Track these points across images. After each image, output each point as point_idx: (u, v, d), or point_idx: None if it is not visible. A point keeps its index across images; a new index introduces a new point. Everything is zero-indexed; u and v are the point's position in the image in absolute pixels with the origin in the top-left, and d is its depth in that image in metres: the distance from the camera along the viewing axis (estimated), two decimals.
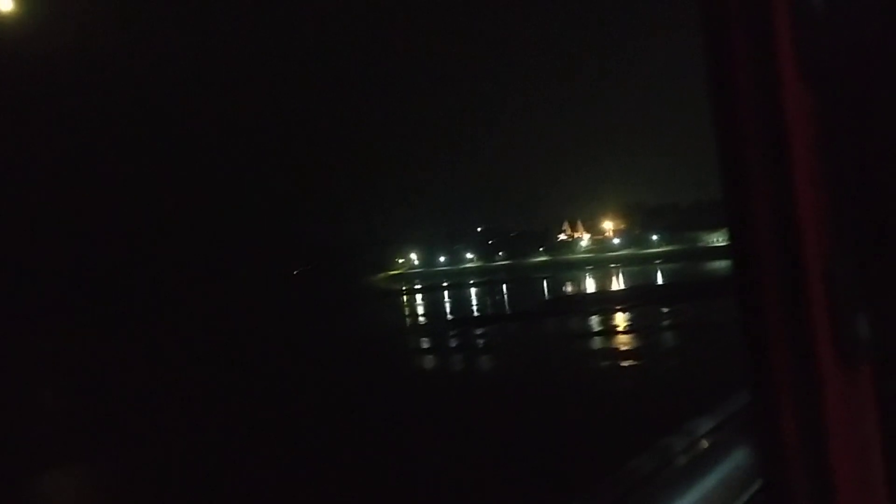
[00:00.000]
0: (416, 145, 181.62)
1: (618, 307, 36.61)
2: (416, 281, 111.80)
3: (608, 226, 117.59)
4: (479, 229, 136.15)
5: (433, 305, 58.28)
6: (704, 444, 1.26)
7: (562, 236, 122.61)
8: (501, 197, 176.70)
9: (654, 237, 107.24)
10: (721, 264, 60.97)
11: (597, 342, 26.01)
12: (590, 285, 64.90)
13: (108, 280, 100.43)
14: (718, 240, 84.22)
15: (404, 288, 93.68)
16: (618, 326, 29.83)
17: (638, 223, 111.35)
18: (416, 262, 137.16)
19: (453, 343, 30.70)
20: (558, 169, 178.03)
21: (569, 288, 63.86)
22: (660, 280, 61.49)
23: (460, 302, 58.48)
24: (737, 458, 1.20)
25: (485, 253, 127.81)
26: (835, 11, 0.84)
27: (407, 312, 55.54)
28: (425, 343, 32.31)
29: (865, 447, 0.83)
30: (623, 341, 25.33)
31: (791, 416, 0.81)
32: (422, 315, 51.36)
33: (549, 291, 59.37)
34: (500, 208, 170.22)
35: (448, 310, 53.39)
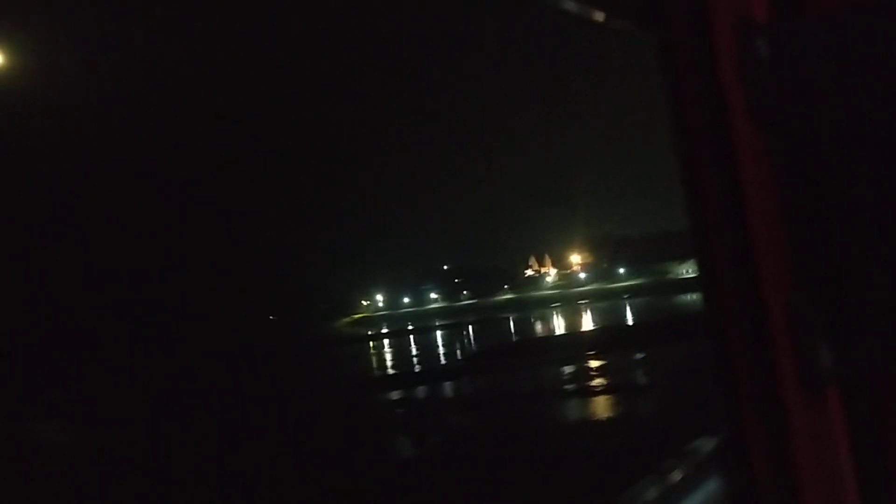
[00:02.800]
0: (382, 184, 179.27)
1: (587, 354, 33.68)
2: (381, 324, 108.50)
3: (575, 259, 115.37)
4: (445, 267, 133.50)
5: (397, 353, 54.92)
6: (676, 478, 1.24)
7: (528, 272, 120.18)
8: (468, 234, 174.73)
9: (622, 270, 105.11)
10: (690, 297, 58.71)
11: (571, 406, 22.85)
12: (557, 325, 62.04)
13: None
14: (687, 271, 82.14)
15: (368, 333, 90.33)
16: (591, 382, 26.71)
17: (605, 256, 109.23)
18: (381, 304, 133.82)
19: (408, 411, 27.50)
20: (524, 203, 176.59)
21: (535, 329, 60.98)
22: (629, 318, 58.75)
23: (424, 349, 55.17)
24: (708, 492, 1.22)
25: (450, 292, 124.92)
26: (779, 58, 0.92)
27: (366, 363, 51.93)
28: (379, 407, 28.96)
29: (837, 473, 0.86)
30: (600, 405, 22.21)
31: (760, 447, 0.84)
32: (379, 367, 47.87)
33: (513, 334, 56.47)
34: (466, 245, 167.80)
35: (407, 360, 49.82)
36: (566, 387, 26.26)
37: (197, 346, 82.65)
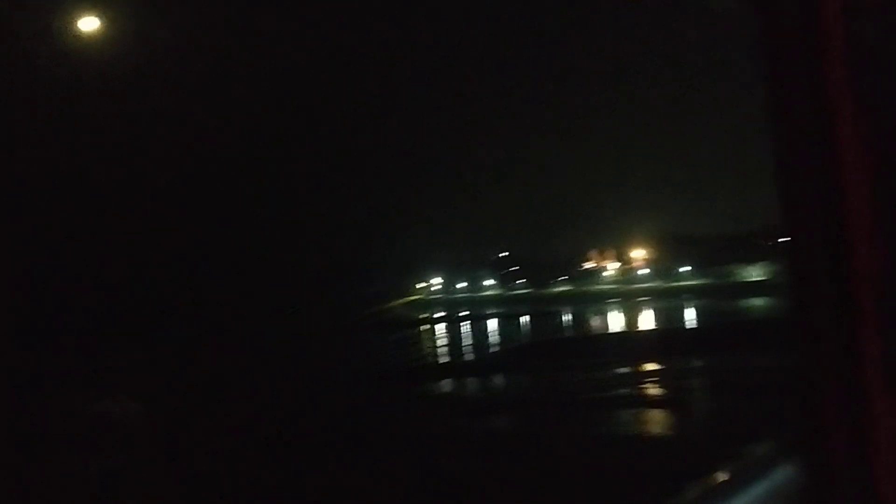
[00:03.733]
0: (442, 167, 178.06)
1: (642, 356, 31.87)
2: (434, 308, 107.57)
3: (637, 255, 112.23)
4: (501, 255, 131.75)
5: (448, 341, 53.65)
6: (751, 467, 1.30)
7: (587, 265, 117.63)
8: (528, 221, 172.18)
9: (685, 269, 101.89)
10: (755, 302, 56.02)
11: (622, 414, 21.18)
12: (613, 322, 59.99)
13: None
14: (754, 275, 78.96)
15: (421, 317, 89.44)
16: (644, 388, 24.99)
17: (668, 253, 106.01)
18: (436, 288, 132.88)
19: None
20: (587, 194, 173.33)
21: (590, 324, 59.05)
22: (690, 321, 56.40)
23: (476, 338, 53.80)
24: (782, 480, 1.26)
25: (506, 280, 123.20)
26: (886, 43, 0.89)
27: (413, 349, 50.63)
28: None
29: None
30: (651, 416, 20.51)
31: (839, 440, 0.85)
32: (427, 355, 46.53)
33: (566, 328, 54.70)
34: (525, 233, 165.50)
35: (456, 349, 48.44)
36: (617, 391, 24.62)
37: (252, 323, 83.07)
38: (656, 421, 20.03)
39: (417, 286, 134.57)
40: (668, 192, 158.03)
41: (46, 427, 21.93)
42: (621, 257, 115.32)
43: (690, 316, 59.44)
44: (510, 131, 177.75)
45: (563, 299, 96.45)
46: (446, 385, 30.08)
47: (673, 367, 28.91)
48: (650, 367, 30.04)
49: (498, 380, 31.03)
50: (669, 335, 42.79)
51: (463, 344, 49.41)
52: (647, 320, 58.84)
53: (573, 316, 68.38)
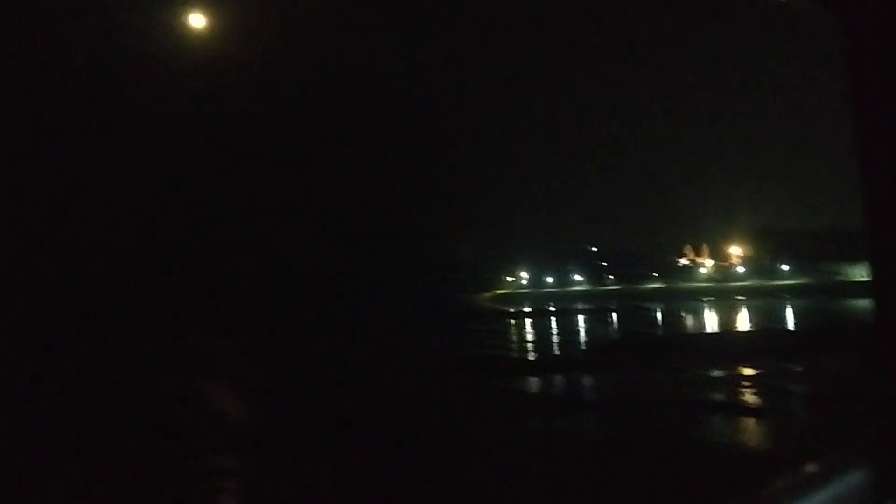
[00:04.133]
0: (533, 160, 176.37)
1: (738, 359, 30.31)
2: (522, 302, 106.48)
3: (734, 251, 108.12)
4: (592, 249, 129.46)
5: (536, 335, 52.71)
6: (831, 468, 1.32)
7: (682, 261, 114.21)
8: (620, 215, 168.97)
9: (785, 267, 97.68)
10: (861, 303, 53.11)
11: (715, 420, 19.92)
12: (707, 322, 57.78)
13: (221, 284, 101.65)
14: (859, 274, 74.94)
15: (509, 310, 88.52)
16: (740, 393, 23.56)
17: (767, 250, 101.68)
18: (524, 282, 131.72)
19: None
20: (682, 187, 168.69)
21: (683, 323, 57.04)
22: (790, 322, 53.81)
23: (563, 333, 52.62)
24: (862, 481, 1.26)
25: (595, 275, 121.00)
26: None
27: (502, 342, 49.77)
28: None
29: None
30: (746, 423, 19.17)
31: None
32: (515, 349, 45.62)
33: (658, 326, 52.90)
34: (616, 227, 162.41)
35: (545, 344, 47.30)
36: (710, 396, 23.33)
37: (338, 311, 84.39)
38: (747, 428, 18.75)
39: (506, 279, 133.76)
40: (768, 185, 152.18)
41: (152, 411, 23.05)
42: (716, 253, 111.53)
43: (789, 317, 56.73)
44: (603, 125, 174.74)
45: (654, 296, 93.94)
46: (530, 381, 29.24)
47: (769, 371, 27.41)
48: (745, 370, 28.50)
49: (583, 377, 30.00)
50: (766, 337, 40.82)
51: (549, 339, 48.36)
52: (742, 320, 56.45)
53: (664, 314, 66.30)
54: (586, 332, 54.23)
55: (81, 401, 25.49)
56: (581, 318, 68.45)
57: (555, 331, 54.62)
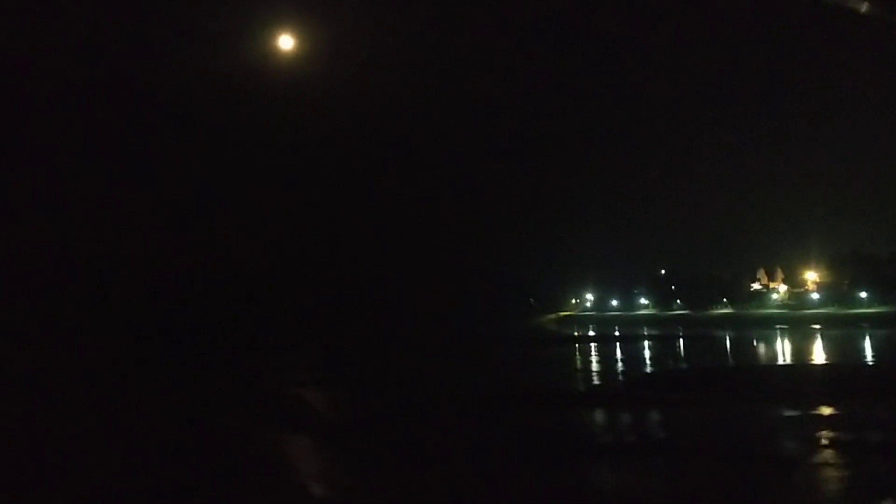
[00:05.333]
0: (608, 179, 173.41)
1: (815, 396, 27.90)
2: (587, 326, 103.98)
3: (810, 277, 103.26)
4: (661, 271, 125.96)
5: (601, 361, 50.67)
6: None
7: (755, 286, 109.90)
8: (690, 238, 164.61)
9: (863, 294, 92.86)
10: None
11: (792, 470, 17.67)
12: (780, 353, 54.71)
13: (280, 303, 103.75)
14: None
15: (574, 335, 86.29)
16: (818, 437, 21.20)
17: (846, 276, 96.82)
18: (589, 304, 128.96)
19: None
20: (756, 209, 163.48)
21: (754, 353, 54.16)
22: (871, 355, 50.36)
23: (629, 361, 50.39)
24: None
25: (663, 299, 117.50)
26: None
27: (565, 370, 47.73)
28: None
29: None
30: (828, 473, 16.93)
31: None
32: (580, 376, 43.59)
33: (728, 356, 50.21)
34: (686, 250, 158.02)
35: (611, 373, 45.07)
36: (782, 441, 21.09)
37: (405, 332, 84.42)
38: (822, 479, 16.58)
39: (571, 301, 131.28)
40: (847, 208, 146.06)
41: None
42: (791, 278, 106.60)
43: (869, 349, 53.34)
44: (678, 145, 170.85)
45: (724, 322, 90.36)
46: (587, 414, 27.40)
47: (848, 412, 24.95)
48: (822, 410, 26.06)
49: (642, 412, 27.91)
50: (845, 372, 37.98)
51: (614, 369, 46.22)
52: (818, 352, 53.24)
53: (733, 342, 63.35)
54: (652, 361, 51.89)
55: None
56: (647, 344, 65.99)
57: (619, 359, 52.41)
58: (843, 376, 34.63)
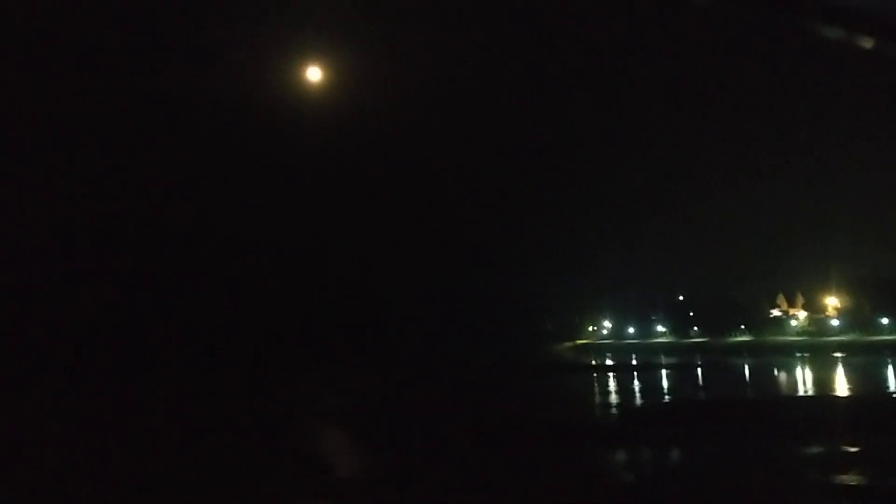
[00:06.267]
0: (618, 204, 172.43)
1: (840, 431, 26.92)
2: (604, 355, 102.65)
3: (831, 302, 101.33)
4: (679, 297, 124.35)
5: (617, 391, 49.71)
6: None
7: (774, 312, 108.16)
8: (708, 262, 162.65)
9: (884, 321, 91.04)
10: None
11: None
12: (801, 383, 53.44)
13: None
14: None
15: (592, 363, 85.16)
16: (841, 481, 20.30)
17: (868, 301, 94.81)
18: (605, 332, 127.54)
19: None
20: (775, 232, 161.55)
21: (775, 383, 52.95)
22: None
23: (647, 391, 49.39)
24: None
25: (680, 325, 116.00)
26: None
27: (580, 400, 46.65)
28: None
29: None
30: None
31: None
32: (594, 407, 42.67)
33: (747, 386, 49.06)
34: (704, 275, 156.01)
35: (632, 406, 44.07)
36: (808, 481, 20.19)
37: (423, 353, 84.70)
38: None
39: (588, 328, 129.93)
40: (868, 231, 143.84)
41: None
42: (811, 304, 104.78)
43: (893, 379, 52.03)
44: (695, 169, 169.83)
45: (742, 350, 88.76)
46: (599, 451, 26.53)
47: (876, 449, 23.98)
48: (847, 446, 25.06)
49: (657, 448, 26.97)
50: (871, 404, 36.78)
51: (632, 400, 45.17)
52: (841, 382, 51.93)
53: (753, 371, 62.10)
54: (670, 391, 50.79)
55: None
56: (664, 373, 64.83)
57: (637, 390, 51.36)
58: (867, 408, 33.54)
